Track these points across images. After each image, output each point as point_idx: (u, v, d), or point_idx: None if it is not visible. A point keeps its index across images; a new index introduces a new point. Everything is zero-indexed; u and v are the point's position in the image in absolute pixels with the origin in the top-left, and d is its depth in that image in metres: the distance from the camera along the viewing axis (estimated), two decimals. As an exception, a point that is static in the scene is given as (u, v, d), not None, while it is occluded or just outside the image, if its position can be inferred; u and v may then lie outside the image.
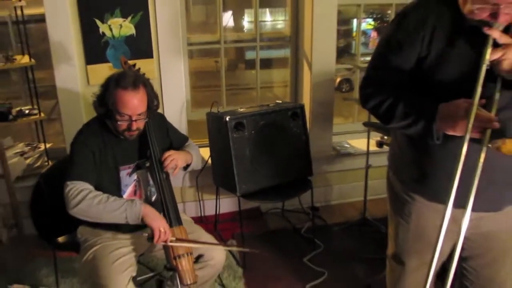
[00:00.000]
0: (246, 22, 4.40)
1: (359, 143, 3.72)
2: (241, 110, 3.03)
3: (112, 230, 2.20)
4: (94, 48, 2.93)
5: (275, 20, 4.38)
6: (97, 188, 2.09)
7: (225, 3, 3.66)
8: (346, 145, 3.72)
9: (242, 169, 2.91)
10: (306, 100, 3.53)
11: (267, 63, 4.25)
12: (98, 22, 2.89)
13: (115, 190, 2.16)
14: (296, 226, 3.48)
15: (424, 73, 1.59)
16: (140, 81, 2.06)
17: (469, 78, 1.44)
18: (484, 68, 1.39)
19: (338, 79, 7.04)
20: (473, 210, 1.65)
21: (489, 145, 1.39)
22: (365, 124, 3.18)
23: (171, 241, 2.07)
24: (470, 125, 1.37)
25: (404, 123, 1.60)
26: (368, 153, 3.33)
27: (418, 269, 1.91)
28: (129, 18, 2.93)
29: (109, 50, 2.95)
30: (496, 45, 1.41)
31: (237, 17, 4.32)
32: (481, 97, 1.40)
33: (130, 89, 2.00)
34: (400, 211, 1.87)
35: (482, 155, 1.39)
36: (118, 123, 2.05)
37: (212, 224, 3.43)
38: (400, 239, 1.91)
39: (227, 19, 4.07)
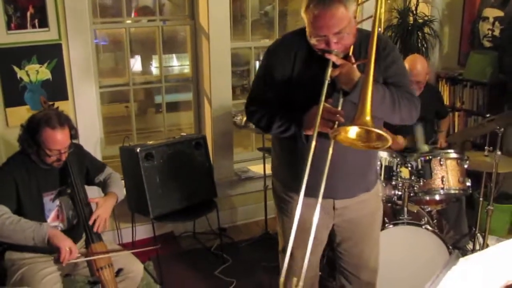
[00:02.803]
0: (154, 67, 4.78)
1: (258, 168, 4.19)
2: (150, 142, 3.41)
3: (37, 252, 2.44)
4: (13, 92, 3.20)
5: (182, 65, 4.80)
6: (22, 213, 2.34)
7: (132, 49, 4.08)
8: (246, 170, 4.20)
9: (154, 194, 3.27)
10: (208, 132, 3.97)
11: (174, 106, 4.67)
12: (16, 69, 3.18)
13: (40, 214, 2.43)
14: (206, 245, 3.84)
15: (290, 88, 2.05)
16: (63, 118, 2.40)
17: (319, 89, 1.89)
18: (326, 83, 1.85)
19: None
20: (335, 198, 2.16)
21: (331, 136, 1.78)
22: (259, 149, 3.67)
23: (78, 258, 2.35)
24: (319, 118, 1.80)
25: (280, 129, 2.04)
26: (265, 176, 3.82)
27: (304, 258, 2.32)
28: (45, 64, 3.24)
29: (27, 93, 3.23)
30: (335, 66, 1.89)
31: (145, 62, 4.70)
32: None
33: (58, 127, 2.33)
34: (284, 210, 2.29)
35: (330, 150, 1.84)
36: (50, 157, 2.36)
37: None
38: (287, 235, 2.26)
39: (135, 63, 4.46)
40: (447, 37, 4.67)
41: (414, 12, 4.46)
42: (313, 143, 1.81)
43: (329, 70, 1.87)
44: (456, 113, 4.45)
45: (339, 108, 1.90)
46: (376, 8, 1.88)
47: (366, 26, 2.16)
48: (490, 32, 4.29)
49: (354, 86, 1.88)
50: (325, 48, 1.90)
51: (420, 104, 3.44)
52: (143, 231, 3.81)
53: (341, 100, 1.93)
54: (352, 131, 1.76)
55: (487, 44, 4.34)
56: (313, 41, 1.93)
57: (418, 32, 4.37)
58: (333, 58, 1.89)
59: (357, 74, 1.89)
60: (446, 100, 4.44)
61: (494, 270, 1.57)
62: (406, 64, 3.32)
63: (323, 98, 1.83)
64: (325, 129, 1.84)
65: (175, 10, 4.39)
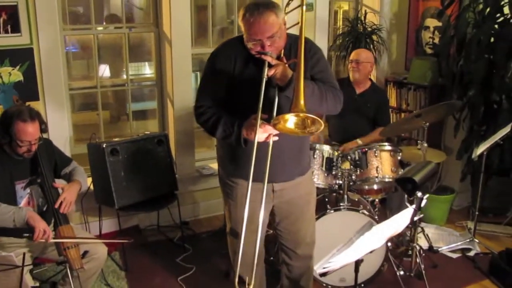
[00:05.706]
0: (122, 73, 5.02)
1: (219, 165, 4.50)
2: (116, 139, 3.69)
3: (8, 236, 2.67)
4: (-14, 93, 3.45)
5: (152, 73, 5.06)
6: None
7: (101, 56, 4.36)
8: (208, 168, 4.48)
9: (119, 186, 3.54)
10: (171, 131, 4.25)
11: (143, 114, 4.95)
12: (-11, 71, 3.43)
13: (12, 201, 2.68)
14: (169, 237, 4.11)
15: (231, 86, 2.35)
16: (34, 112, 2.67)
17: (257, 87, 2.19)
18: (264, 80, 2.14)
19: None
20: (274, 182, 2.47)
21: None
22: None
23: (53, 239, 2.60)
24: (257, 130, 2.11)
25: (223, 135, 2.34)
26: (224, 171, 4.11)
27: (248, 237, 2.53)
28: (18, 66, 3.49)
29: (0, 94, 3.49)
30: (270, 66, 2.18)
31: (114, 68, 4.93)
32: (266, 100, 2.16)
33: (29, 121, 2.59)
34: (230, 195, 2.59)
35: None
36: (21, 148, 2.63)
37: (97, 241, 3.96)
38: (233, 217, 2.62)
39: (104, 70, 4.72)
40: (395, 44, 5.07)
41: (363, 21, 4.84)
42: (255, 142, 2.14)
43: (266, 69, 2.16)
44: (402, 114, 4.83)
45: (276, 102, 2.21)
46: (301, 16, 2.19)
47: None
48: (431, 40, 4.70)
49: (288, 83, 2.19)
50: (261, 50, 2.21)
51: (362, 100, 3.81)
52: (109, 224, 4.06)
53: (276, 95, 2.24)
54: (290, 120, 2.03)
55: (428, 50, 4.76)
56: (250, 45, 2.24)
57: (367, 40, 4.74)
58: (268, 59, 2.18)
59: (290, 72, 2.20)
60: (393, 102, 4.84)
61: (389, 229, 1.97)
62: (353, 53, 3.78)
63: (262, 94, 2.13)
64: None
65: (143, 18, 4.67)
